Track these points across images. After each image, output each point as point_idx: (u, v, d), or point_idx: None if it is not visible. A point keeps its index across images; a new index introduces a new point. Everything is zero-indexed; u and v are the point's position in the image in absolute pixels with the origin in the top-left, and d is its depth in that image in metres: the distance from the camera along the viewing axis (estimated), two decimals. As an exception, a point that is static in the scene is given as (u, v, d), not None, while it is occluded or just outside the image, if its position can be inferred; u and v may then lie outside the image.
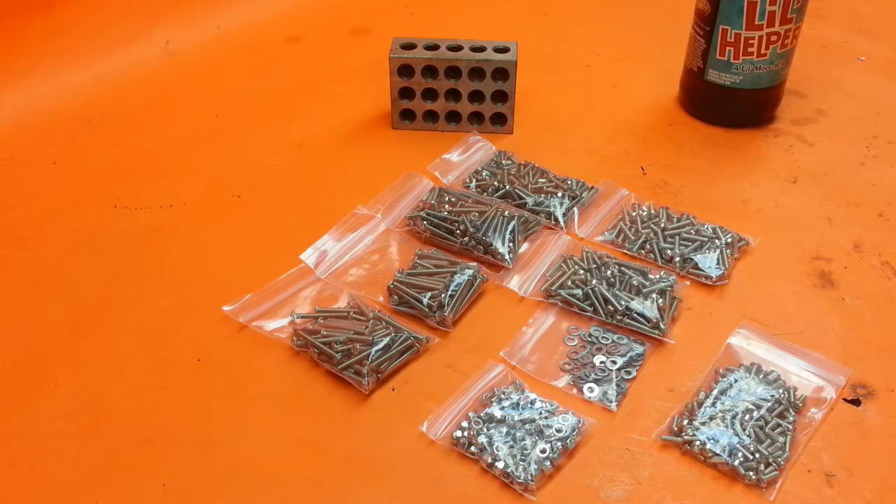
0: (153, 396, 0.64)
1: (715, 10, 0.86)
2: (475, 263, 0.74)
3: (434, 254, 0.75)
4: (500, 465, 0.58)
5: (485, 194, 0.82)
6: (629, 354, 0.67)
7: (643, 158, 0.89)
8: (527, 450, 0.59)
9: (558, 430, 0.60)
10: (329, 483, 0.59)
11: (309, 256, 0.75)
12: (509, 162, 0.86)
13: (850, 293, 0.74)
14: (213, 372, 0.66)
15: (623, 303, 0.69)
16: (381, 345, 0.65)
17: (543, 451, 0.59)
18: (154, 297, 0.73)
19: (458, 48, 0.90)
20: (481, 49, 0.90)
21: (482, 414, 0.62)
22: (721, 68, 0.89)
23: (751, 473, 0.58)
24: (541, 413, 0.62)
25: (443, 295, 0.70)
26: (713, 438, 0.60)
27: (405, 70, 0.89)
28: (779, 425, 0.61)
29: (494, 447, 0.59)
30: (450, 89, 0.90)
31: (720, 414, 0.61)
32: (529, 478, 0.58)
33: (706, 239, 0.76)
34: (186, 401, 0.64)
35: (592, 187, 0.83)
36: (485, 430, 0.61)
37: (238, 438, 0.61)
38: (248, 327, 0.69)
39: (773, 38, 0.86)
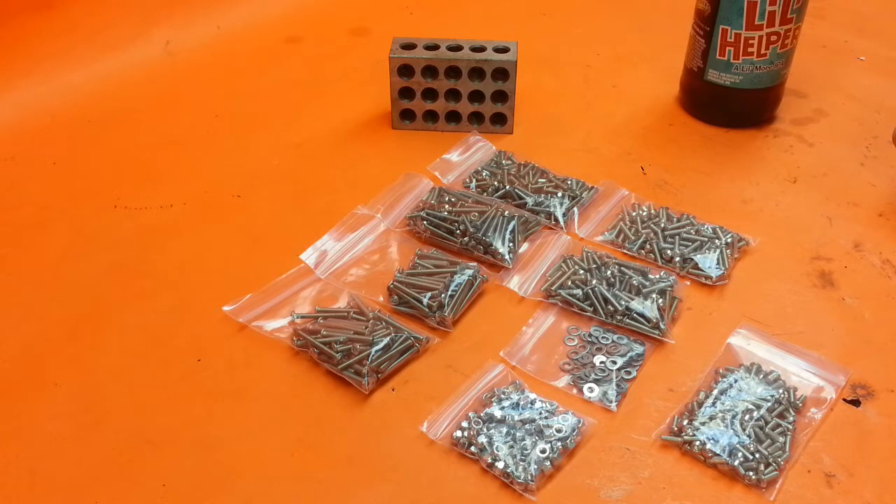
0: (153, 396, 0.64)
1: (715, 10, 0.86)
2: (475, 263, 0.74)
3: (434, 254, 0.75)
4: (500, 465, 0.58)
5: (485, 194, 0.82)
6: (629, 354, 0.67)
7: (643, 158, 0.89)
8: (527, 450, 0.59)
9: (558, 430, 0.60)
10: (329, 483, 0.59)
11: (309, 256, 0.75)
12: (509, 162, 0.86)
13: (850, 293, 0.73)
14: (213, 372, 0.66)
15: (623, 303, 0.69)
16: (381, 345, 0.65)
17: (543, 451, 0.59)
18: (154, 297, 0.73)
19: (458, 48, 0.90)
20: (481, 49, 0.90)
21: (482, 414, 0.62)
22: (721, 68, 0.89)
23: (751, 473, 0.58)
24: (541, 413, 0.62)
25: (443, 295, 0.70)
26: (713, 438, 0.60)
27: (405, 70, 0.89)
28: (779, 425, 0.61)
29: (494, 447, 0.59)
30: (450, 89, 0.90)
31: (720, 414, 0.61)
32: (529, 478, 0.58)
33: (706, 239, 0.76)
34: (186, 401, 0.64)
35: (592, 187, 0.83)
36: (485, 430, 0.61)
37: (238, 438, 0.61)
38: (248, 327, 0.69)
39: (773, 38, 0.86)
